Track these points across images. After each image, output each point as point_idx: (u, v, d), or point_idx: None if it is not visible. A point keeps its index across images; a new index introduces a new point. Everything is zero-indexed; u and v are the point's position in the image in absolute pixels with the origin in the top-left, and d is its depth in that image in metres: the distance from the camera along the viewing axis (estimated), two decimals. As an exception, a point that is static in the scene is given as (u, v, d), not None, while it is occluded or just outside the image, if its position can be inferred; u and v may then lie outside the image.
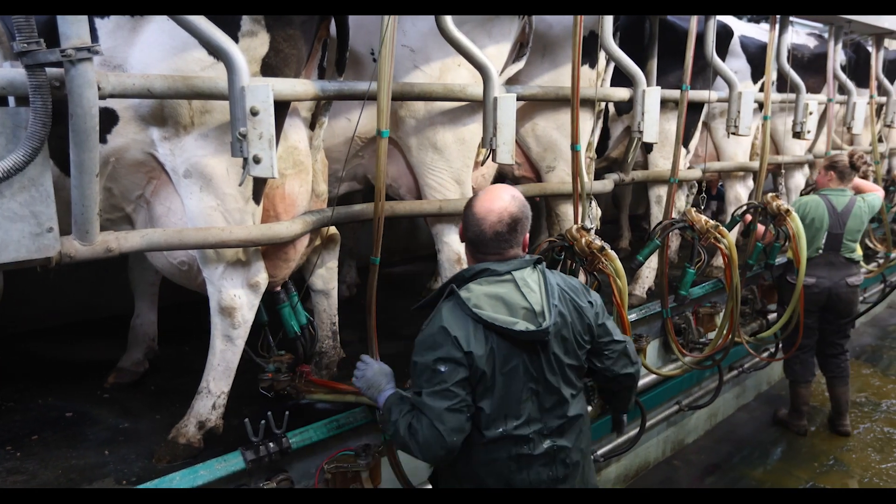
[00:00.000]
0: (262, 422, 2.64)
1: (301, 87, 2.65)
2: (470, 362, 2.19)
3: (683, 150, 5.02)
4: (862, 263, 5.63)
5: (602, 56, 3.87)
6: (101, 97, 2.11)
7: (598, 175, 4.59)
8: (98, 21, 2.41)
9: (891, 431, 5.71)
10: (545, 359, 2.32)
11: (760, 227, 5.13)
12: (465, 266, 3.43)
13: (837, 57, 6.02)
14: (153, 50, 2.45)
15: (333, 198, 3.65)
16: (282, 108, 2.63)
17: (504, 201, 2.33)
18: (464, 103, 3.25)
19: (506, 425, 2.29)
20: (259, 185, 2.74)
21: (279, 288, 3.10)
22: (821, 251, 5.21)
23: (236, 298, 2.79)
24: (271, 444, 2.66)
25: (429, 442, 2.20)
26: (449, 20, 2.86)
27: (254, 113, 2.20)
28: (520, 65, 3.54)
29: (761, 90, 5.26)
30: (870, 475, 5.05)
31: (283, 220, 2.87)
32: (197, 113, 2.54)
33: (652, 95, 3.85)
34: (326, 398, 2.97)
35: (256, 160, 2.24)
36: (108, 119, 2.49)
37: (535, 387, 2.32)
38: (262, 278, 2.86)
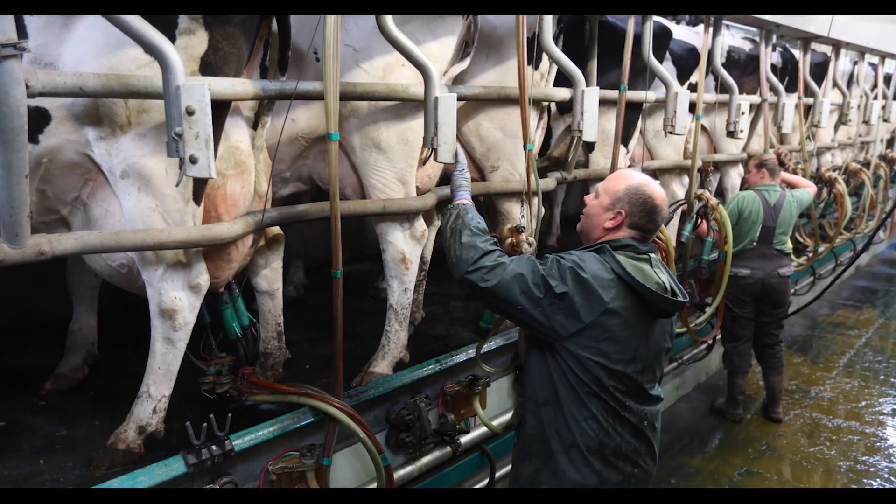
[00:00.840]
0: (205, 424, 2.61)
1: (241, 86, 2.62)
2: (575, 302, 2.34)
3: (623, 149, 5.14)
4: (792, 256, 5.88)
5: (545, 57, 3.92)
6: (30, 96, 2.05)
7: (542, 174, 4.66)
8: (27, 17, 2.35)
9: (819, 417, 5.97)
10: (658, 334, 2.53)
11: (704, 225, 5.31)
12: (409, 266, 3.48)
13: (769, 59, 6.24)
14: (86, 47, 2.40)
15: (278, 198, 3.64)
16: (222, 108, 2.60)
17: (662, 191, 2.60)
18: (407, 103, 3.26)
19: (609, 382, 2.42)
20: (199, 186, 2.70)
21: (222, 289, 3.06)
22: (755, 244, 5.45)
23: (177, 301, 2.75)
24: (214, 447, 2.62)
25: (491, 270, 2.40)
26: (389, 20, 2.86)
27: (190, 112, 2.17)
28: (464, 64, 3.57)
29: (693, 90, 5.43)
30: (799, 458, 5.27)
31: (224, 221, 2.84)
32: (134, 112, 2.48)
33: (591, 95, 3.92)
34: (269, 399, 2.96)
35: (193, 160, 2.21)
36: (40, 119, 2.42)
37: (644, 360, 2.49)
38: (204, 280, 2.82)
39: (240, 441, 2.73)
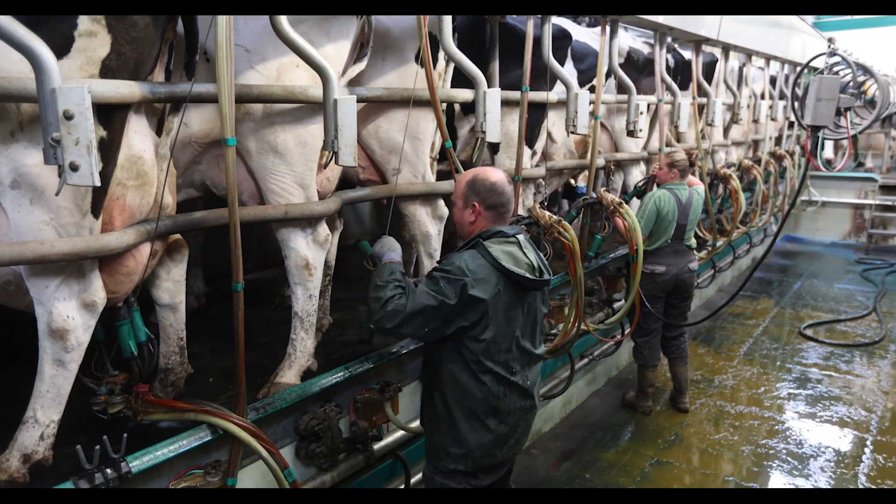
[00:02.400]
0: (97, 447, 2.46)
1: (126, 88, 2.47)
2: (469, 303, 2.75)
3: (529, 150, 5.21)
4: (695, 251, 6.11)
5: (441, 57, 3.92)
6: None
7: (448, 176, 4.66)
8: None
9: (722, 404, 6.22)
10: (535, 305, 3.01)
11: (620, 222, 5.41)
12: (313, 272, 3.41)
13: (663, 61, 6.47)
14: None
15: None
16: (117, 112, 2.48)
17: (503, 174, 2.99)
18: (304, 105, 3.18)
19: (500, 355, 2.88)
20: (98, 197, 2.53)
21: (121, 303, 2.89)
22: (669, 241, 5.65)
23: (69, 320, 2.57)
24: (109, 471, 2.48)
25: (392, 315, 2.79)
26: (284, 20, 2.79)
27: (68, 117, 2.04)
28: (361, 66, 3.52)
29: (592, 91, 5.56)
30: (706, 446, 5.46)
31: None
32: (27, 118, 2.31)
33: (492, 97, 3.95)
34: (166, 418, 2.82)
35: (73, 167, 2.08)
36: None
37: (526, 327, 2.96)
38: (100, 297, 2.64)
39: (137, 462, 2.59)
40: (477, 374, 2.87)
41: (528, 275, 2.85)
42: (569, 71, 5.54)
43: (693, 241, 5.89)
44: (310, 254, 3.37)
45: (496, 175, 2.96)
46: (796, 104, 6.42)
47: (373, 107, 3.78)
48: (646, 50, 6.74)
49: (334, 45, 3.23)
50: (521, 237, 2.98)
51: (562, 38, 5.19)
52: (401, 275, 2.97)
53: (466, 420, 2.92)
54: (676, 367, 6.04)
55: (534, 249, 3.02)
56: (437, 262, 3.18)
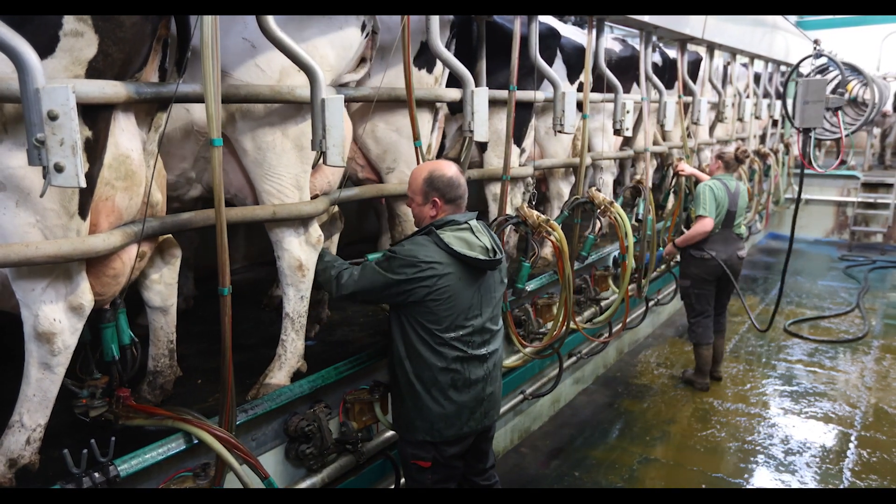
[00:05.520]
0: (85, 451, 2.43)
1: (111, 88, 2.44)
2: (414, 281, 2.99)
3: (517, 149, 5.21)
4: (743, 239, 6.39)
5: (440, 61, 3.91)
6: None
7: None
8: None
9: (710, 401, 6.27)
10: (489, 283, 3.21)
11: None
12: (305, 273, 3.39)
13: (649, 60, 6.48)
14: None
15: (187, 200, 3.45)
16: (102, 112, 2.44)
17: (455, 166, 3.22)
18: (303, 105, 3.16)
19: (456, 331, 3.10)
20: (86, 199, 2.49)
21: (107, 305, 2.86)
22: (718, 228, 6.03)
23: (56, 323, 2.52)
24: (97, 475, 2.45)
25: (347, 285, 3.19)
26: (271, 20, 2.77)
27: (52, 117, 2.01)
28: (357, 75, 3.51)
29: (579, 90, 5.57)
30: (693, 443, 5.50)
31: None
32: (11, 119, 2.27)
33: (480, 96, 3.95)
34: (146, 423, 2.76)
35: (58, 168, 2.05)
36: None
37: (481, 304, 3.17)
38: (87, 300, 2.59)
39: (126, 466, 2.56)
40: (434, 346, 3.08)
41: (480, 256, 3.07)
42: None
43: (743, 229, 6.27)
44: (303, 255, 3.35)
45: (451, 169, 3.16)
46: (788, 107, 6.47)
47: (367, 107, 3.76)
48: (617, 48, 6.68)
49: (336, 53, 3.26)
50: (473, 223, 3.18)
51: (550, 36, 5.20)
52: (337, 259, 3.40)
53: (427, 392, 3.12)
54: (717, 340, 6.49)
55: (487, 233, 3.22)
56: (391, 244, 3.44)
